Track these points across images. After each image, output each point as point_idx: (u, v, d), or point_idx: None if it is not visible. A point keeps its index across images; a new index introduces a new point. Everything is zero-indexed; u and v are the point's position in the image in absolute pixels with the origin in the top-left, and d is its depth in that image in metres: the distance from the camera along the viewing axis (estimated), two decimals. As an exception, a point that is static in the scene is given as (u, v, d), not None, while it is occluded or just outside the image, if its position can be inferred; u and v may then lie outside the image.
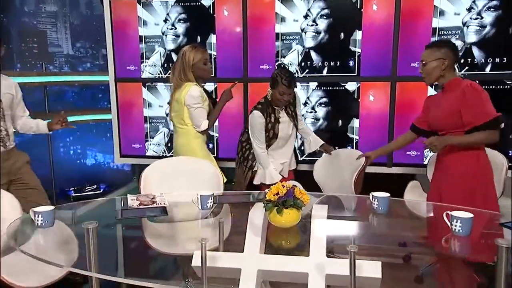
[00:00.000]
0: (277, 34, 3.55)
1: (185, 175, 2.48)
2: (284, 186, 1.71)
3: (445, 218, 1.67)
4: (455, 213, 1.62)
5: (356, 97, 3.51)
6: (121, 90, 3.93)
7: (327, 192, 2.80)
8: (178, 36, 3.75)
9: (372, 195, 1.93)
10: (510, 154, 3.29)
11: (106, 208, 2.24)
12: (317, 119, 3.62)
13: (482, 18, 3.18)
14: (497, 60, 3.22)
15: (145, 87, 3.88)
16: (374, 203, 1.92)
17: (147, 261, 1.71)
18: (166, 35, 3.77)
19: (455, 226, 1.59)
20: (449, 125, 2.31)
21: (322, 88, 3.57)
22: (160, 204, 2.00)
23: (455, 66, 2.44)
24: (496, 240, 1.30)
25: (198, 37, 3.69)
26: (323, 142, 3.17)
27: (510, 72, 3.20)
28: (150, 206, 1.98)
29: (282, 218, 1.66)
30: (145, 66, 3.83)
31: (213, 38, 3.67)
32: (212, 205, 1.99)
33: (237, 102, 3.54)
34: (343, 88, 3.53)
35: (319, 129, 3.62)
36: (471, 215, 1.61)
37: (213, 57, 3.70)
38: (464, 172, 2.30)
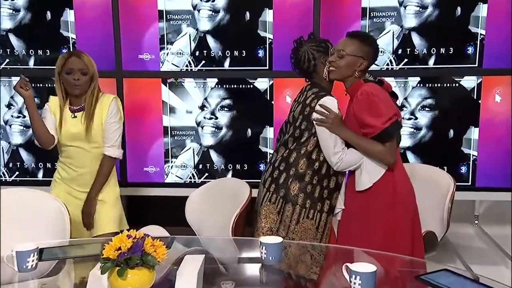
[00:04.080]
0: (160, 12, 3.46)
1: (14, 215, 2.37)
2: (129, 237, 1.65)
3: (344, 272, 1.70)
4: (354, 267, 1.64)
5: (269, 97, 3.50)
6: None
7: (203, 235, 2.75)
8: (17, 10, 3.53)
9: (260, 242, 1.94)
10: (461, 172, 3.49)
11: None
12: (218, 128, 3.56)
13: (423, -4, 3.31)
14: (443, 50, 3.36)
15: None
16: (262, 251, 1.93)
17: None
18: (-1, 8, 3.51)
19: (355, 284, 1.63)
20: None
21: (224, 86, 3.52)
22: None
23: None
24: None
25: (48, 13, 3.51)
26: None
27: (458, 66, 3.36)
28: None
29: (126, 283, 1.60)
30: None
31: (70, 15, 3.49)
32: (35, 264, 1.89)
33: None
34: (251, 86, 3.51)
35: (222, 141, 3.57)
36: (374, 268, 1.62)
37: (71, 42, 3.55)
38: (365, 205, 2.44)
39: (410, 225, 2.48)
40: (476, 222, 4.30)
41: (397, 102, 2.61)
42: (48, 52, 3.57)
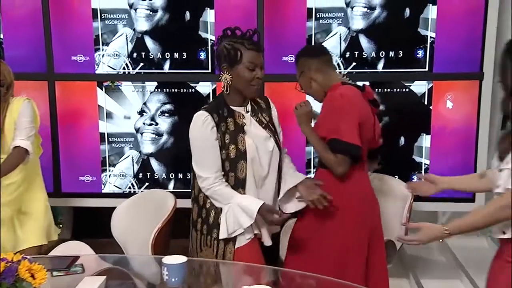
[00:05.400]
0: (95, 11, 3.40)
1: None
2: (4, 260, 1.57)
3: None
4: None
5: (212, 102, 3.47)
6: None
7: (129, 250, 2.69)
8: None
9: (163, 262, 1.89)
10: (413, 181, 3.46)
11: None
12: (159, 135, 3.51)
13: (370, -4, 3.29)
14: (392, 54, 3.33)
15: None
16: (164, 273, 1.88)
17: None
18: None
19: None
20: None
21: (164, 90, 3.47)
22: None
23: (331, 67, 2.62)
24: None
25: (-29, 11, 3.41)
26: (305, 177, 2.50)
27: (408, 70, 3.34)
28: None
29: (-4, 314, 1.53)
30: None
31: (-4, 14, 3.39)
32: None
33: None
34: (193, 90, 3.46)
35: (163, 148, 3.52)
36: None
37: (-3, 42, 3.45)
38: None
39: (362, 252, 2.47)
40: (440, 232, 4.26)
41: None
42: (-28, 53, 3.48)
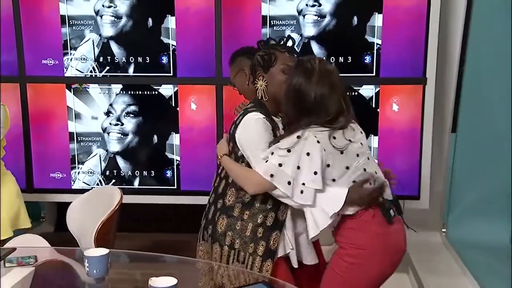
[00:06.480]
0: (63, 17, 3.53)
1: None
2: None
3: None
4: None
5: (174, 104, 3.58)
6: None
7: (84, 246, 2.75)
8: None
9: (84, 254, 1.99)
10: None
11: None
12: (124, 134, 3.64)
13: (320, 5, 3.40)
14: (341, 59, 3.45)
15: None
16: (85, 265, 1.96)
17: None
18: None
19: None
20: None
21: (129, 92, 3.60)
22: None
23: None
24: None
25: None
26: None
27: (356, 75, 3.47)
28: None
29: None
30: None
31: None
32: None
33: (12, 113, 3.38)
34: (156, 92, 3.59)
35: (128, 147, 3.66)
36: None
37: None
38: None
39: None
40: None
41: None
42: None
